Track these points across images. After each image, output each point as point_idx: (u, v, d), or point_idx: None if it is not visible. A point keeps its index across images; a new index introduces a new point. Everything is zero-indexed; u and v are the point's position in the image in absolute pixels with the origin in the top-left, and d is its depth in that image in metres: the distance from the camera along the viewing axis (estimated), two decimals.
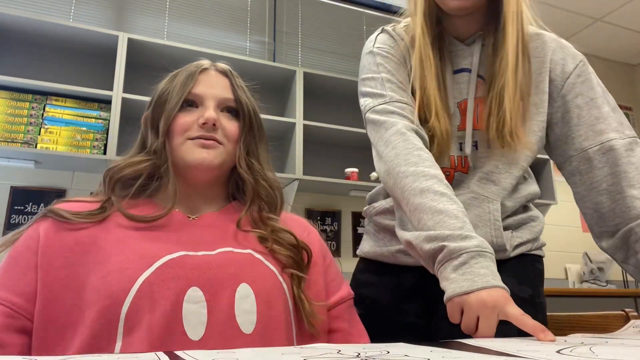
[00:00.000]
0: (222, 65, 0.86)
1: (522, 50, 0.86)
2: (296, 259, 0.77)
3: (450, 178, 0.89)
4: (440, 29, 0.90)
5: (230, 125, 0.81)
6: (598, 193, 0.85)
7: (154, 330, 0.62)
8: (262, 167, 0.83)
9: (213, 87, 0.81)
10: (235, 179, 0.85)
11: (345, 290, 0.84)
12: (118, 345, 0.61)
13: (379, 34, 0.96)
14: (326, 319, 0.78)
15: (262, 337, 0.67)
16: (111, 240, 0.70)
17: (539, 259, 0.95)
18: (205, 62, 0.85)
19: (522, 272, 0.89)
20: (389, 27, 0.96)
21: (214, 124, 0.77)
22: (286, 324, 0.72)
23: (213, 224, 0.79)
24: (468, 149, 0.88)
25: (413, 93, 0.89)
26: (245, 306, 0.68)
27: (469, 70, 0.90)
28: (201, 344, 0.63)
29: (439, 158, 0.86)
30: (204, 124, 0.77)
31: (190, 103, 0.80)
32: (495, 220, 0.86)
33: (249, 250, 0.75)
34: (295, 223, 0.86)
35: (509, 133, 0.83)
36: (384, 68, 0.90)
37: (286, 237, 0.78)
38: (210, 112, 0.78)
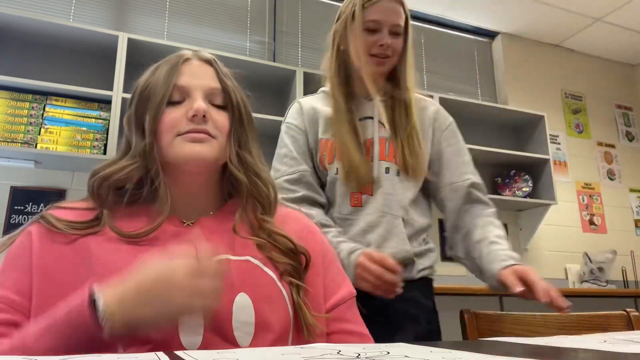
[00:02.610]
0: (205, 54, 0.81)
1: (418, 106, 1.22)
2: (295, 265, 0.74)
3: (359, 200, 1.15)
4: (349, 89, 1.21)
5: (220, 117, 0.75)
6: (458, 215, 1.21)
7: (150, 343, 0.61)
8: (255, 161, 0.78)
9: (198, 78, 0.75)
10: (228, 177, 0.79)
11: (345, 289, 0.81)
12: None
13: (291, 106, 1.27)
14: (325, 327, 0.76)
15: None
16: (105, 250, 0.68)
17: (432, 281, 1.22)
18: (187, 52, 0.79)
19: (425, 289, 1.18)
20: (303, 98, 1.29)
21: (204, 116, 0.72)
22: (284, 333, 0.70)
23: (209, 229, 0.75)
24: (376, 173, 1.16)
25: (316, 150, 1.19)
26: (243, 317, 0.66)
27: (372, 118, 1.20)
28: None
29: (350, 184, 1.14)
30: (193, 116, 0.72)
31: (176, 97, 0.74)
32: (401, 233, 1.13)
33: (247, 257, 0.72)
34: (294, 221, 0.83)
35: (416, 166, 1.16)
36: (284, 144, 1.21)
37: (283, 242, 0.75)
38: (199, 102, 0.72)
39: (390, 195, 1.14)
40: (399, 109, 1.18)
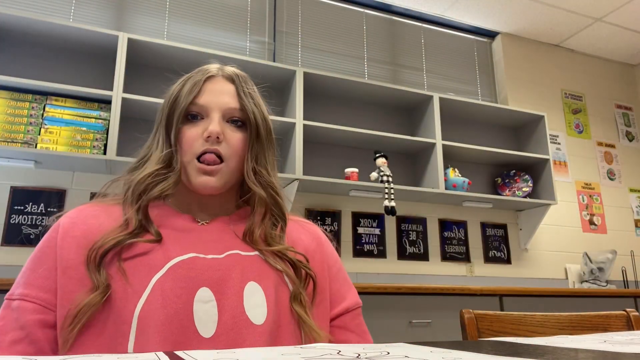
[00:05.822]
0: (229, 69, 0.82)
1: None
2: (297, 281, 0.75)
3: None
4: None
5: (235, 139, 0.77)
6: None
7: (166, 329, 0.62)
8: (269, 174, 0.80)
9: (218, 96, 0.78)
10: (245, 186, 0.82)
11: (350, 301, 0.81)
12: (130, 345, 0.62)
13: None
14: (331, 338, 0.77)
15: (273, 327, 0.68)
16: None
17: None
18: (213, 68, 0.81)
19: None
20: None
21: (217, 137, 0.75)
22: (293, 319, 0.72)
23: (222, 229, 0.78)
24: None
25: None
26: (255, 300, 0.68)
27: None
28: (213, 341, 0.64)
29: None
30: (208, 137, 0.75)
31: (196, 114, 0.77)
32: None
33: (256, 253, 0.75)
34: (304, 231, 0.85)
35: None
36: None
37: (288, 256, 0.76)
38: (214, 125, 0.75)
39: None
40: None
